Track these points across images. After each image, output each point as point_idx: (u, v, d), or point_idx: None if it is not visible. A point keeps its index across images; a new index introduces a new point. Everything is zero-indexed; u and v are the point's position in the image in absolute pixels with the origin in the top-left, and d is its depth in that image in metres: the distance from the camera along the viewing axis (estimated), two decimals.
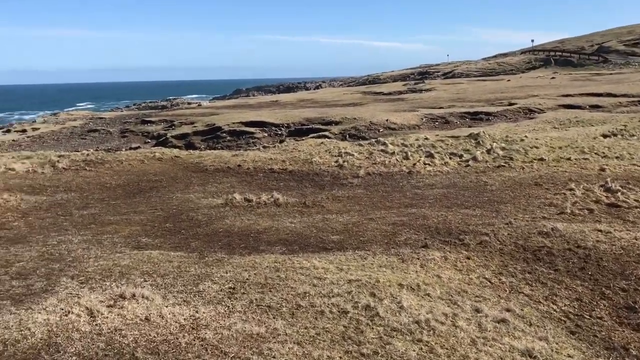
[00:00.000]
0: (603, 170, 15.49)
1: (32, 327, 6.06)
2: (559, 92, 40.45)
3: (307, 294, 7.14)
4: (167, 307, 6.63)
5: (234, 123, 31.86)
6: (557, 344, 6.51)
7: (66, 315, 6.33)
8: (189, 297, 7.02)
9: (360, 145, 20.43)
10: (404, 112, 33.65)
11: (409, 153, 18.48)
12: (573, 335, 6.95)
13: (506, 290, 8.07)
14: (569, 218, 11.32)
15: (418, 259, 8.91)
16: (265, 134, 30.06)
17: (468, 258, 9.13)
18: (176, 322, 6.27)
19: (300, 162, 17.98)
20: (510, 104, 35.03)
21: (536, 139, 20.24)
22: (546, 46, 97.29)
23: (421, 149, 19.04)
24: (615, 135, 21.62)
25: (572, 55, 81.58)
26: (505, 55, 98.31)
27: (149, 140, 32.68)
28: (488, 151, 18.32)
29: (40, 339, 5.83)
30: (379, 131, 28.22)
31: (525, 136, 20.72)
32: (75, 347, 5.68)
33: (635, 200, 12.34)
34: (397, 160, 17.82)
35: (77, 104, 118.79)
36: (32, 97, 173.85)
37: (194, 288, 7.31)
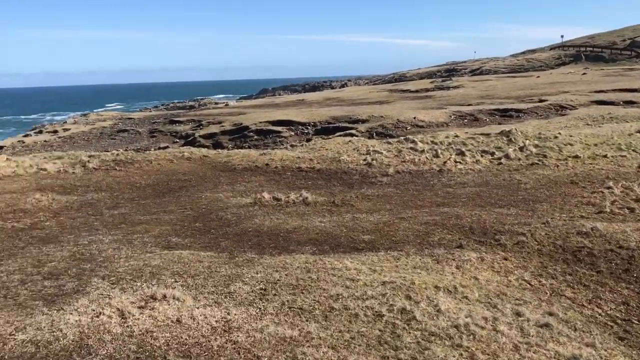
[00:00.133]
0: None
1: (64, 328, 6.00)
2: (591, 88, 39.38)
3: (340, 296, 6.94)
4: (198, 308, 6.52)
5: (260, 122, 31.86)
6: (605, 350, 6.18)
7: (97, 317, 6.26)
8: (220, 298, 6.88)
9: (389, 143, 20.11)
10: (431, 109, 33.13)
11: (439, 151, 18.15)
12: (622, 342, 6.59)
13: (547, 293, 7.74)
14: (608, 217, 10.91)
15: (453, 260, 8.62)
16: (292, 133, 29.97)
17: (505, 259, 8.81)
18: (208, 324, 6.15)
19: (328, 160, 17.80)
20: (541, 101, 34.25)
21: (570, 135, 19.65)
22: (576, 42, 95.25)
23: (451, 147, 18.68)
24: None
25: (604, 51, 79.86)
26: (533, 51, 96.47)
27: (178, 140, 32.92)
28: (521, 149, 17.88)
29: (72, 341, 5.77)
30: (406, 129, 27.82)
31: (559, 133, 20.14)
32: (107, 349, 5.60)
33: None
34: (427, 158, 17.51)
35: (107, 105, 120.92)
36: (63, 99, 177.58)
37: (225, 289, 7.18)
